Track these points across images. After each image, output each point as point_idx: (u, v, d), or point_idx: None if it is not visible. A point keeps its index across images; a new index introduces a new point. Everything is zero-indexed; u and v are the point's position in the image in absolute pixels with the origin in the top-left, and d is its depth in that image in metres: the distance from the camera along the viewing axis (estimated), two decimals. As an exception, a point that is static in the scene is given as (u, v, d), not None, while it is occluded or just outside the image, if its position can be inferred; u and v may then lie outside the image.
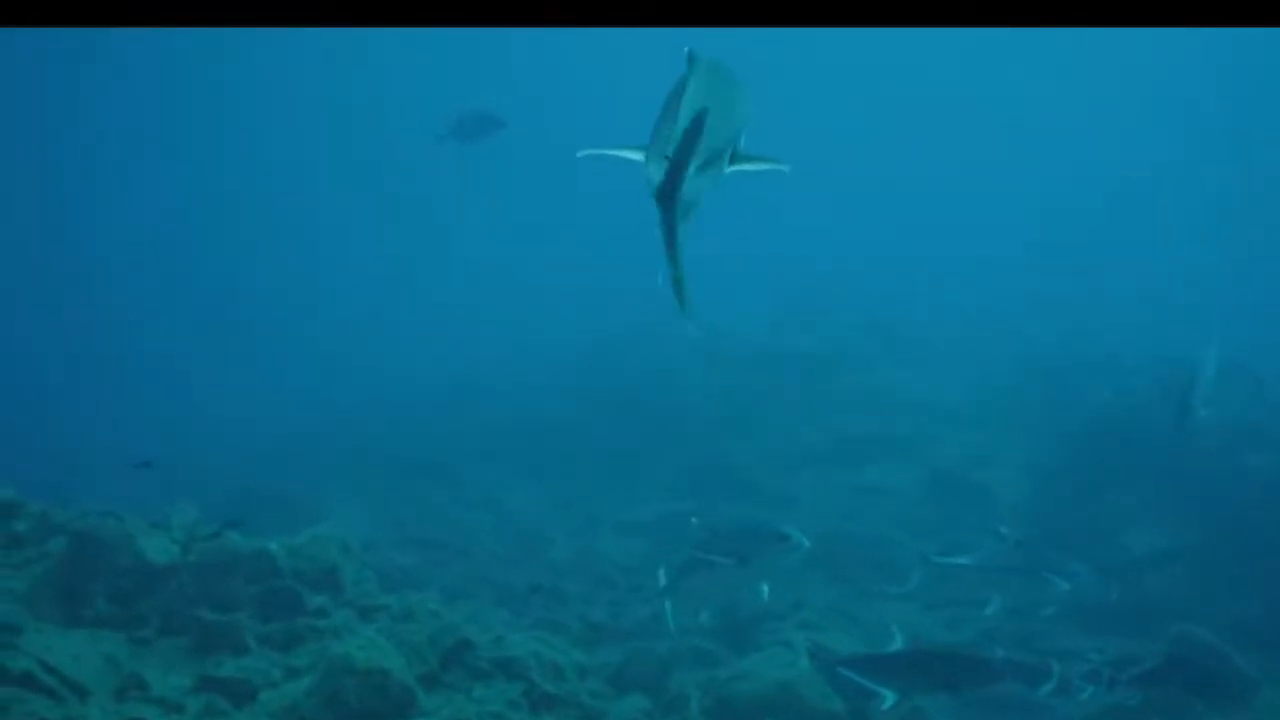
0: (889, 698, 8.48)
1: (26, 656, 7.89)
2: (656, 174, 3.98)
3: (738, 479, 18.45)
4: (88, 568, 9.60)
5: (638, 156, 4.26)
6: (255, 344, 31.72)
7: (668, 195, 3.91)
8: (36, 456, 13.37)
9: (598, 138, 4.88)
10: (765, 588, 9.29)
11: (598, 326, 26.13)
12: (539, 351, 26.09)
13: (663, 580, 10.23)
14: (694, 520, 9.58)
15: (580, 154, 4.61)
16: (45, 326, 32.30)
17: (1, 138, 43.08)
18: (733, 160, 4.47)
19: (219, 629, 9.10)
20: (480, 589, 14.32)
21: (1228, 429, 13.80)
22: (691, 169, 3.99)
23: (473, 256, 41.89)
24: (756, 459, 19.14)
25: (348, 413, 24.43)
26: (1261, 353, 16.34)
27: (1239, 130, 45.29)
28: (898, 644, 8.85)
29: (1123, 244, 34.94)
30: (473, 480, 19.99)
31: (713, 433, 20.29)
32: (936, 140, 50.26)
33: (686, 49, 4.53)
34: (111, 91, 47.75)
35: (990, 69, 51.77)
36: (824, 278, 27.77)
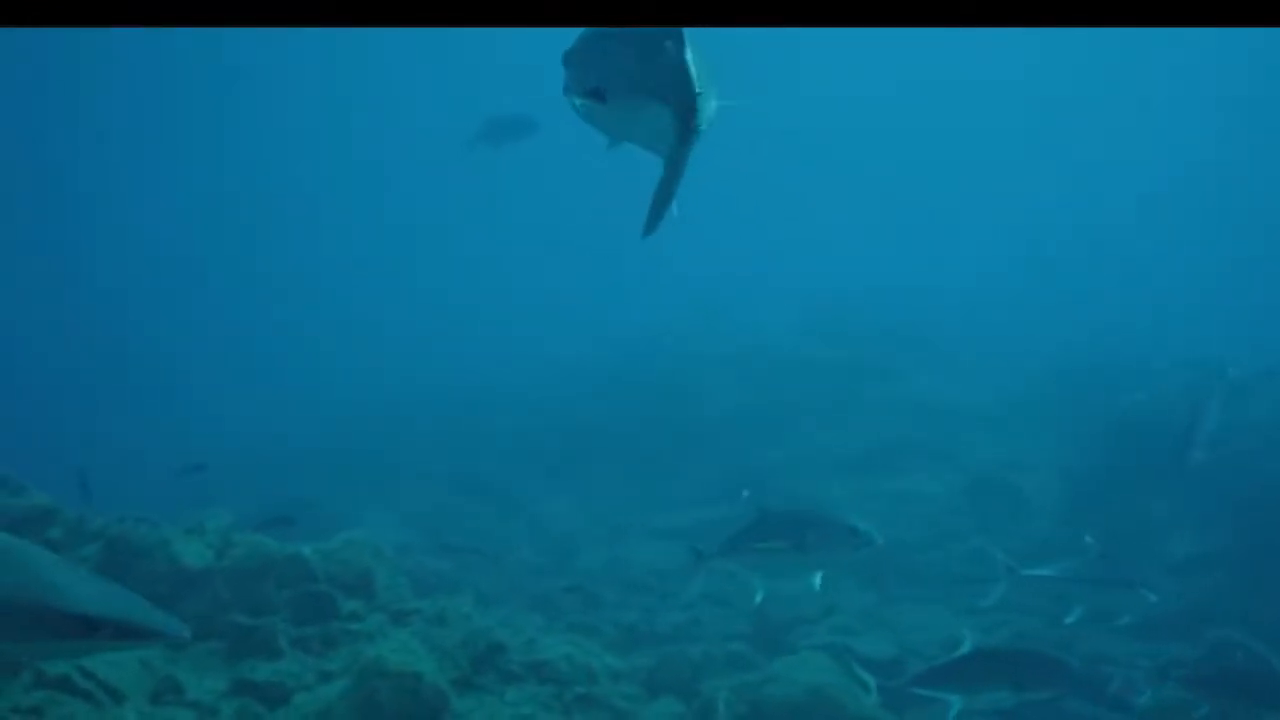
0: (955, 703, 8.41)
1: (63, 661, 7.94)
2: (664, 113, 4.18)
3: (770, 485, 18.37)
4: (122, 573, 9.63)
5: (644, 100, 4.34)
6: (282, 354, 31.89)
7: (690, 128, 4.14)
8: (65, 464, 13.46)
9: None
10: (818, 578, 8.98)
11: (626, 334, 26.18)
12: (567, 359, 26.14)
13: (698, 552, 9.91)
14: (745, 493, 9.16)
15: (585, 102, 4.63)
16: (68, 335, 32.59)
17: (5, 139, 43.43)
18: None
19: (253, 633, 9.13)
20: (513, 595, 14.36)
21: (1262, 432, 13.69)
22: (705, 105, 4.18)
23: (497, 265, 41.99)
24: (788, 465, 19.10)
25: (377, 421, 24.50)
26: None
27: (1273, 129, 44.93)
28: (966, 648, 8.75)
29: (1152, 247, 34.75)
30: (504, 487, 20.04)
31: (744, 440, 20.27)
32: (963, 146, 50.20)
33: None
34: (112, 92, 47.88)
35: (1016, 70, 51.50)
36: (851, 287, 27.65)
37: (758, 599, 9.24)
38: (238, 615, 9.32)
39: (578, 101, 4.40)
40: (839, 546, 8.80)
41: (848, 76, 52.01)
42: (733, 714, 9.34)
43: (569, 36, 4.60)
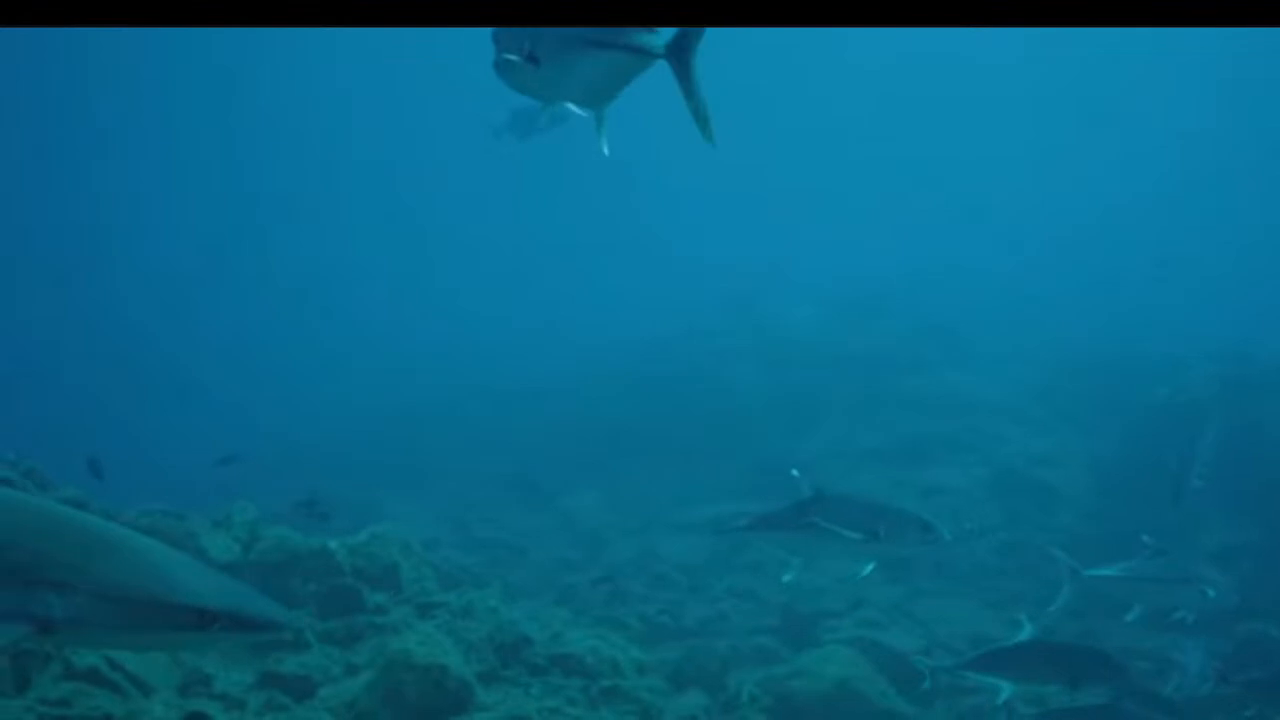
0: (1005, 689, 8.35)
1: (92, 653, 7.99)
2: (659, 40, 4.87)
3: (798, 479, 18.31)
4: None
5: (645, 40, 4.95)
6: (307, 354, 31.98)
7: (688, 50, 4.79)
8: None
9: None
10: (869, 567, 8.72)
11: (653, 328, 26.16)
12: (595, 355, 26.13)
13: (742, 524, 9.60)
14: (795, 473, 8.96)
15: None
16: (92, 333, 32.80)
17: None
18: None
19: (280, 626, 9.16)
20: (540, 588, 14.39)
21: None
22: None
23: (523, 262, 42.02)
24: (816, 459, 19.01)
25: (405, 419, 24.57)
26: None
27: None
28: (1026, 633, 8.68)
29: (1179, 239, 34.47)
30: (533, 482, 20.08)
31: (771, 433, 20.25)
32: (986, 137, 49.97)
33: None
34: (139, 93, 48.13)
35: (1040, 58, 51.17)
36: (877, 279, 27.51)
37: (787, 578, 9.01)
38: (265, 608, 9.36)
39: (514, 58, 4.79)
40: (909, 540, 8.56)
41: (871, 67, 51.78)
42: (759, 707, 9.32)
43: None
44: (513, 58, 4.90)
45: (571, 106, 5.18)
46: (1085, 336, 23.79)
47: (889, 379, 21.30)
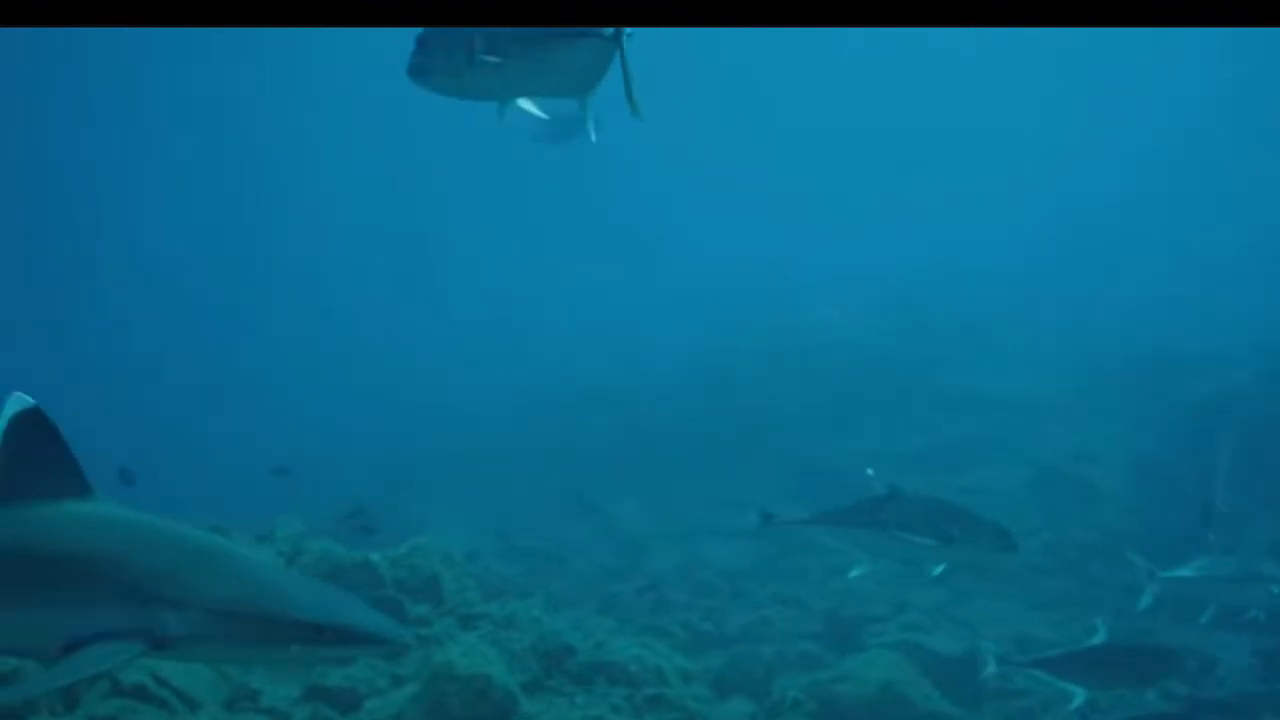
0: (1079, 695, 8.28)
1: (139, 670, 8.04)
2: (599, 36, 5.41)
3: (839, 482, 18.26)
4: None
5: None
6: (350, 364, 32.06)
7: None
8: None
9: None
10: (940, 570, 8.52)
11: (689, 334, 26.14)
12: (634, 361, 26.11)
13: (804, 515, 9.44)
14: (869, 471, 8.78)
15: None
16: (130, 343, 33.08)
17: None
18: None
19: (324, 639, 9.19)
20: (583, 597, 14.39)
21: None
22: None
23: (562, 268, 41.99)
24: (856, 462, 18.90)
25: (443, 429, 24.59)
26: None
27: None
28: (1101, 637, 8.60)
29: (1220, 236, 34.16)
30: (574, 490, 20.09)
31: (810, 437, 20.17)
32: (1016, 131, 49.70)
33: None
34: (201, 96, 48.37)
35: (1064, 51, 50.76)
36: (903, 282, 27.26)
37: (854, 573, 8.82)
38: (309, 622, 9.39)
39: (491, 60, 5.03)
40: (983, 546, 8.37)
41: (891, 66, 51.54)
42: (803, 712, 9.29)
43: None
44: (491, 59, 5.04)
45: (526, 104, 5.53)
46: (1117, 331, 23.57)
47: (924, 379, 21.22)
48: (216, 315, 36.77)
